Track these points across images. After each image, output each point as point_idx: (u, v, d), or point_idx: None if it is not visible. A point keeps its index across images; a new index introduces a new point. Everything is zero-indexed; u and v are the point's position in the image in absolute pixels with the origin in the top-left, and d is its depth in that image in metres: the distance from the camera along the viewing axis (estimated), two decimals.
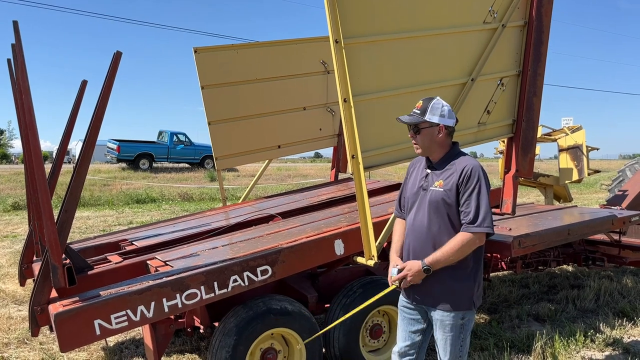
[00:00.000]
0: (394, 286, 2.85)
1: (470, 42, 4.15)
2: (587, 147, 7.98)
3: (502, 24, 4.22)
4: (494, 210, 4.38)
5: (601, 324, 5.09)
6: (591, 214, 6.28)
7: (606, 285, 6.33)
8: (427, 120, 2.75)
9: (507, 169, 4.44)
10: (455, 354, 2.78)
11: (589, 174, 8.09)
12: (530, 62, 4.33)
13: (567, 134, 8.17)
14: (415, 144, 2.83)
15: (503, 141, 7.92)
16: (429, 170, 2.84)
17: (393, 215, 3.29)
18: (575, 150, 7.93)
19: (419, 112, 2.80)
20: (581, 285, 6.54)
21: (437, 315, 2.77)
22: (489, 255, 5.25)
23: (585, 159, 7.80)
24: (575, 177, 7.96)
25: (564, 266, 7.01)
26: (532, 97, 4.38)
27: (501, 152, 8.45)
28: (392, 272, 2.81)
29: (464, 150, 3.02)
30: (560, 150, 8.18)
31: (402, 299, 2.97)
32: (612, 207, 6.72)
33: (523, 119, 4.36)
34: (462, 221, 2.67)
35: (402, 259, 2.89)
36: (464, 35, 4.13)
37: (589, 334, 4.80)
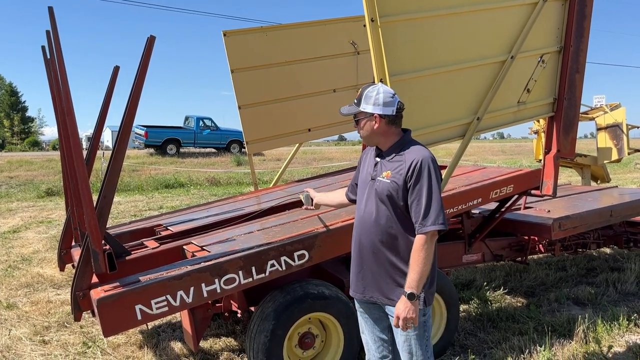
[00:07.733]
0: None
1: (509, 18, 4.00)
2: (627, 125, 7.71)
3: None
4: (534, 192, 4.28)
5: None
6: (632, 194, 6.09)
7: None
8: (362, 110, 2.55)
9: (547, 149, 4.31)
10: (424, 356, 2.56)
11: (629, 154, 7.83)
12: (573, 38, 4.17)
13: (605, 112, 7.90)
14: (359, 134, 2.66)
15: (537, 121, 7.72)
16: (378, 159, 2.63)
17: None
18: (614, 129, 7.66)
19: (356, 101, 2.58)
20: (621, 267, 6.36)
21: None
22: (526, 238, 5.13)
23: (625, 138, 7.53)
24: (614, 156, 7.71)
25: (602, 248, 6.82)
26: (575, 74, 4.22)
27: (535, 132, 8.23)
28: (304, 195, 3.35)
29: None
30: (599, 128, 7.92)
31: (356, 301, 2.75)
32: None
33: (565, 97, 4.21)
34: (414, 219, 2.45)
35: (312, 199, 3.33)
36: (504, 10, 3.98)
37: (633, 317, 4.66)
